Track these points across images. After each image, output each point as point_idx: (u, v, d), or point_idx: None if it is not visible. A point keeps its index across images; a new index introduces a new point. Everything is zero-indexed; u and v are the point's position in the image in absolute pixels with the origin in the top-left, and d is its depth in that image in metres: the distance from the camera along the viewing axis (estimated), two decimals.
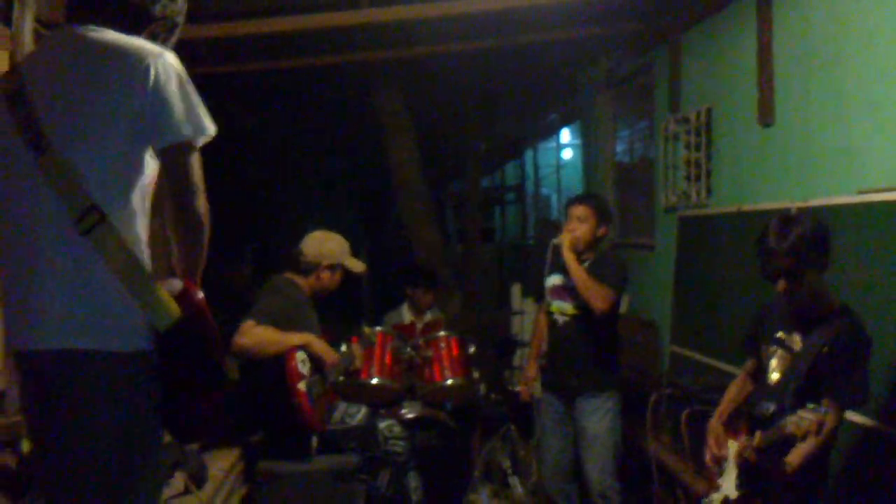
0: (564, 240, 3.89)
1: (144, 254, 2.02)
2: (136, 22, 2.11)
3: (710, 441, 3.07)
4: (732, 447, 2.97)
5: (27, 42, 3.45)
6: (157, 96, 1.94)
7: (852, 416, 3.15)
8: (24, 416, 2.22)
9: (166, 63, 1.99)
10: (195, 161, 2.01)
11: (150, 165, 2.04)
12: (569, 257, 3.85)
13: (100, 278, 1.92)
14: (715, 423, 3.10)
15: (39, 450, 2.11)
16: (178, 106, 1.96)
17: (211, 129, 2.03)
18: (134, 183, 2.00)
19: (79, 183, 1.91)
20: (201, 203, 2.02)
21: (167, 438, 2.29)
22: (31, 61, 2.17)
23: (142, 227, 2.04)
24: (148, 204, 2.07)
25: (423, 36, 5.89)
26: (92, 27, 2.04)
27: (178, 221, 2.02)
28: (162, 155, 1.99)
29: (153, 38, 2.13)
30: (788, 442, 2.59)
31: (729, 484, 2.93)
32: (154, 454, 2.09)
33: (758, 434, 2.78)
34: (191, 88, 2.02)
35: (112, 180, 1.95)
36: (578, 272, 3.83)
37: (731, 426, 3.06)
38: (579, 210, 3.99)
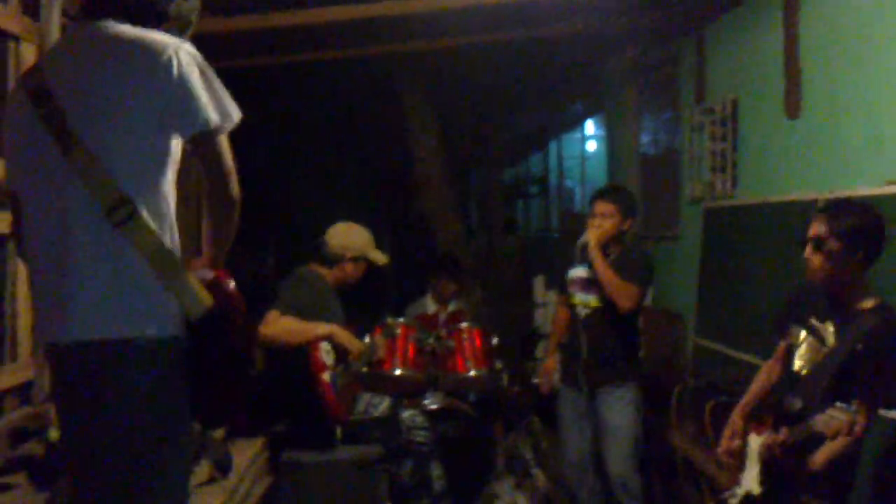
0: (591, 238, 3.87)
1: (175, 242, 2.04)
2: (151, 20, 2.13)
3: (726, 432, 3.01)
4: (755, 441, 2.90)
5: (54, 36, 3.48)
6: (181, 86, 1.95)
7: (883, 412, 3.10)
8: (55, 405, 2.23)
9: (187, 53, 2.00)
10: (225, 147, 2.04)
11: (176, 153, 2.06)
12: (595, 256, 3.83)
13: (133, 268, 1.94)
14: (737, 415, 3.03)
15: (69, 440, 2.12)
16: (202, 94, 1.97)
17: (236, 114, 2.05)
18: (162, 172, 2.01)
19: (109, 175, 1.92)
20: (235, 187, 2.05)
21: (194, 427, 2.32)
22: (51, 57, 2.17)
23: (171, 215, 2.05)
24: (174, 191, 2.09)
25: (446, 28, 5.87)
26: (110, 22, 2.06)
27: (212, 206, 2.06)
28: (192, 144, 2.00)
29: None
30: (815, 440, 2.54)
31: (751, 479, 2.86)
32: (185, 439, 2.11)
33: (784, 430, 2.70)
34: (213, 76, 2.03)
35: (140, 171, 1.97)
36: (605, 271, 3.82)
37: (755, 419, 2.99)
38: (603, 206, 3.98)
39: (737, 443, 2.95)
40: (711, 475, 3.90)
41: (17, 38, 3.34)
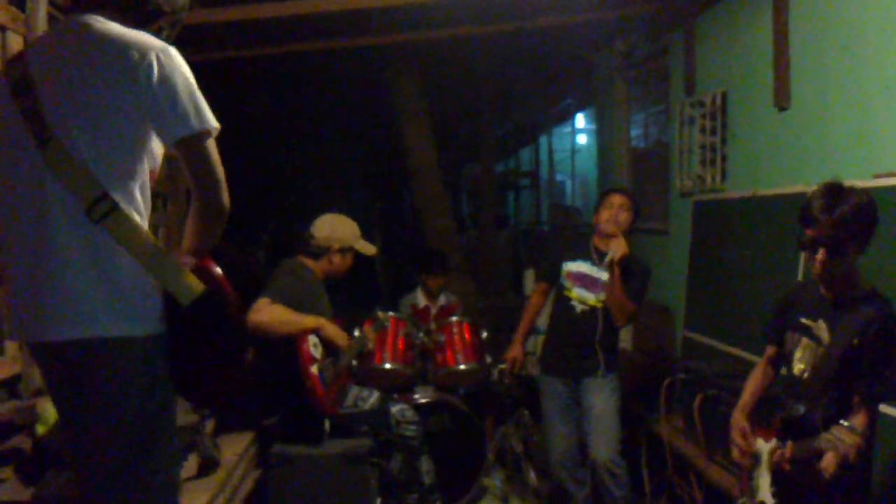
0: (617, 252, 3.87)
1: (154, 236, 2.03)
2: (145, 17, 2.13)
3: (735, 437, 2.95)
4: (764, 447, 2.84)
5: (41, 26, 3.46)
6: (161, 91, 1.94)
7: (888, 410, 3.11)
8: (52, 399, 2.24)
9: (169, 57, 1.98)
10: (213, 152, 2.01)
11: (156, 154, 2.07)
12: (617, 272, 3.89)
13: (115, 264, 1.94)
14: (738, 417, 2.98)
15: (65, 430, 2.17)
16: (183, 99, 1.96)
17: (215, 124, 2.02)
18: (136, 172, 2.01)
19: (86, 172, 1.91)
20: (224, 197, 2.03)
21: (180, 421, 2.32)
22: (36, 49, 2.13)
23: (146, 215, 2.06)
24: (149, 193, 2.09)
25: (439, 19, 5.86)
26: (99, 18, 2.04)
27: (199, 213, 2.03)
28: (177, 149, 1.99)
29: (159, 32, 2.14)
30: (822, 454, 2.48)
31: (763, 490, 2.81)
32: (171, 432, 2.12)
33: (790, 445, 2.63)
34: (193, 82, 2.02)
35: (116, 169, 1.96)
36: (617, 290, 3.91)
37: (760, 423, 2.93)
38: (620, 199, 4.05)
39: (751, 444, 2.88)
40: (700, 467, 3.91)
41: (3, 28, 3.32)
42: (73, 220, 1.93)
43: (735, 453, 2.98)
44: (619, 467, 3.96)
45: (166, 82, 1.95)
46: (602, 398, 4.00)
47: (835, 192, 2.55)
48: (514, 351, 4.42)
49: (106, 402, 1.96)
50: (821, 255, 2.53)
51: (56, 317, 1.93)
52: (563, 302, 4.15)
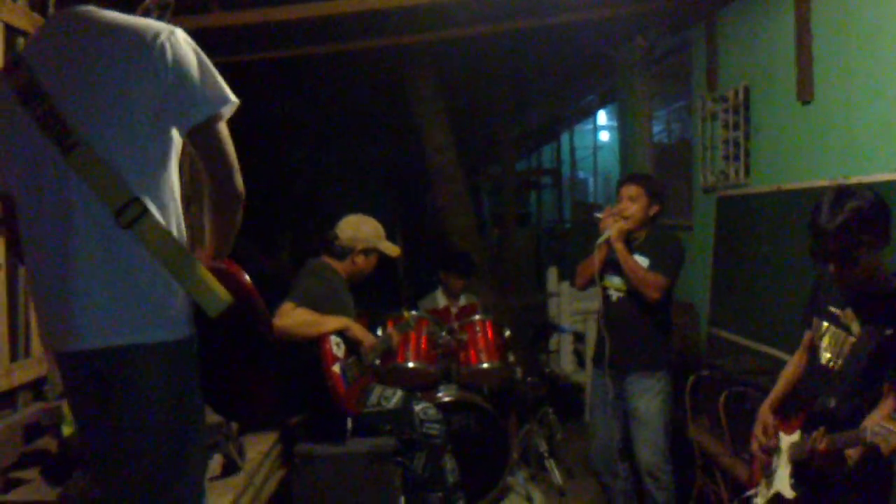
0: (612, 230, 3.83)
1: (183, 236, 2.00)
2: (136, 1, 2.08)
3: (758, 430, 2.92)
4: (785, 441, 2.80)
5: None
6: (177, 74, 1.89)
7: None
8: (69, 409, 2.21)
9: (180, 39, 1.94)
10: (226, 136, 1.97)
11: (178, 143, 2.00)
12: (619, 248, 3.81)
13: (143, 271, 1.90)
14: (766, 410, 2.94)
15: (86, 442, 2.12)
16: (198, 81, 1.92)
17: (233, 97, 1.98)
18: (165, 164, 1.96)
19: (115, 176, 1.86)
20: (238, 181, 1.98)
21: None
22: (36, 50, 2.04)
23: (177, 207, 2.01)
24: (178, 183, 2.04)
25: (457, 18, 5.85)
26: (92, 8, 1.99)
27: (216, 202, 1.99)
28: (191, 135, 1.94)
29: (147, 13, 2.08)
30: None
31: (782, 481, 2.76)
32: (200, 438, 2.09)
33: (823, 435, 2.52)
34: (206, 60, 1.97)
35: (143, 165, 1.91)
36: (629, 261, 3.80)
37: (784, 416, 2.89)
38: (631, 189, 3.94)
39: (772, 440, 2.85)
40: (725, 465, 3.88)
41: (25, 34, 3.35)
42: (99, 226, 1.88)
43: (754, 446, 2.95)
44: (663, 472, 3.88)
45: (179, 66, 1.90)
46: (646, 400, 3.88)
47: (836, 198, 2.48)
48: None
49: (134, 410, 1.92)
50: (831, 268, 2.50)
51: (82, 326, 1.89)
52: (602, 293, 4.09)
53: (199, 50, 1.97)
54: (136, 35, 1.91)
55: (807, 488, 2.68)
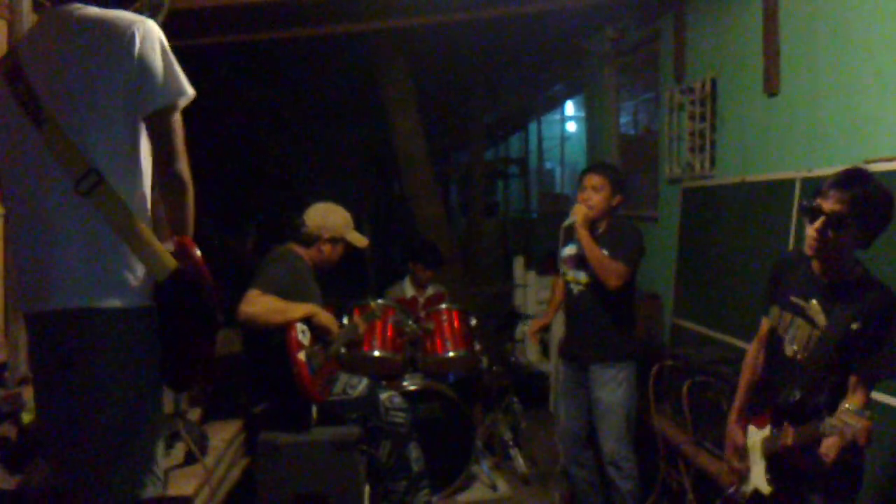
0: (578, 215, 3.86)
1: (148, 213, 2.18)
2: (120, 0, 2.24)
3: (728, 452, 2.91)
4: (756, 434, 2.80)
5: (25, 11, 3.41)
6: (142, 63, 2.10)
7: (886, 399, 3.11)
8: (32, 378, 2.32)
9: (148, 29, 2.13)
10: (178, 125, 2.16)
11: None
12: (582, 234, 3.83)
13: (105, 238, 2.07)
14: (733, 427, 2.91)
15: (45, 410, 2.20)
16: (160, 71, 2.11)
17: (190, 91, 2.17)
18: (137, 146, 2.14)
19: (76, 149, 2.05)
20: (183, 165, 2.16)
21: (168, 409, 2.33)
22: (26, 42, 2.26)
23: (146, 187, 2.19)
24: (149, 164, 2.21)
25: (428, 5, 5.82)
26: (77, 5, 2.18)
27: (163, 187, 2.16)
28: (147, 120, 2.13)
29: (138, 13, 2.24)
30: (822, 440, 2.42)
31: (757, 477, 2.77)
32: (154, 412, 2.19)
33: (789, 431, 2.57)
34: (170, 53, 2.15)
35: (114, 146, 2.09)
36: (593, 249, 3.82)
37: (752, 410, 2.89)
38: (594, 179, 3.96)
39: (742, 462, 2.85)
40: (689, 454, 3.92)
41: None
42: (67, 194, 2.05)
43: (727, 458, 2.95)
44: (626, 461, 3.91)
45: (145, 55, 2.09)
46: (608, 390, 3.92)
47: (855, 173, 2.49)
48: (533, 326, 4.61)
49: (90, 376, 2.05)
50: (819, 223, 2.45)
51: (53, 287, 2.06)
52: (565, 288, 4.15)
53: (165, 43, 2.16)
54: (110, 26, 2.10)
55: (783, 483, 2.69)
